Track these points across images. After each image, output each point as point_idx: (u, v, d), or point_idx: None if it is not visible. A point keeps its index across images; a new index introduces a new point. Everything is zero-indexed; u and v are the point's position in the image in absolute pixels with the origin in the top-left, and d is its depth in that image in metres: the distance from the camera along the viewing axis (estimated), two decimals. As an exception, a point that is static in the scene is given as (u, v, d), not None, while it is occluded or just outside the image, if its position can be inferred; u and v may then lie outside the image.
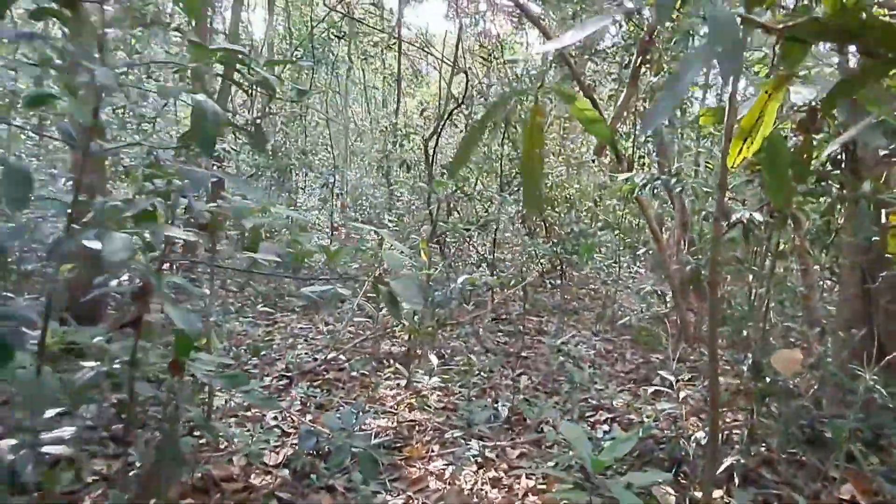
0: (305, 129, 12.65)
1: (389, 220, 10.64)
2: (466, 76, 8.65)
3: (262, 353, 5.23)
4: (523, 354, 6.00)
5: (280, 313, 7.30)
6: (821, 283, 6.25)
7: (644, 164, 9.34)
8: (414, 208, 11.40)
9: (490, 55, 11.22)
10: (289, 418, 3.97)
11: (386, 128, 14.07)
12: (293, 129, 11.56)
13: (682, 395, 3.50)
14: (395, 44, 12.96)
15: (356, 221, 13.00)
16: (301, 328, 6.66)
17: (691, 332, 6.91)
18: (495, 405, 4.19)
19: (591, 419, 4.27)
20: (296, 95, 3.54)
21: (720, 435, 3.44)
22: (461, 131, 10.09)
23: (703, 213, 3.57)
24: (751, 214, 3.14)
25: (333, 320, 6.98)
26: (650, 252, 12.12)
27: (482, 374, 4.99)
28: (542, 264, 10.55)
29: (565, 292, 9.46)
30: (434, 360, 4.05)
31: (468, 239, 9.56)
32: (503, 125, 10.00)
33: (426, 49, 15.48)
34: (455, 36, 11.91)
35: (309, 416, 4.00)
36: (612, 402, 4.64)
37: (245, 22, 16.12)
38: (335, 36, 11.82)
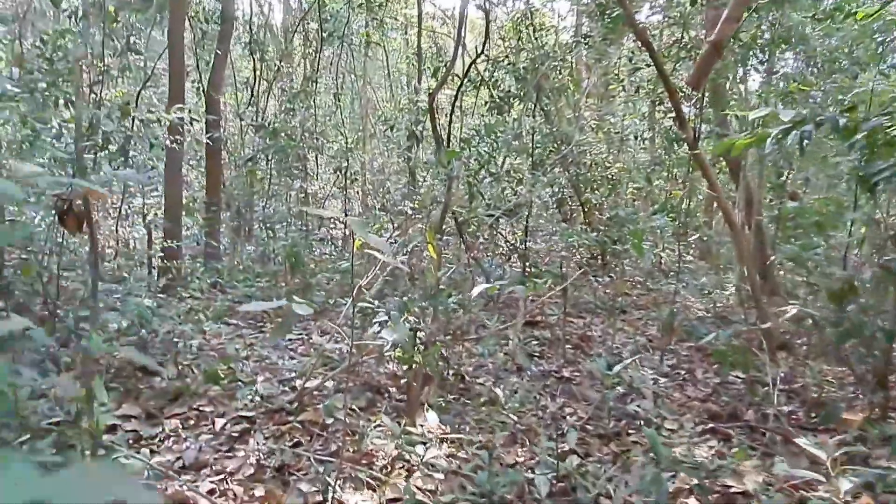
0: (315, 108, 11.42)
1: (412, 208, 9.43)
2: (487, 16, 7.24)
3: (224, 379, 4.03)
4: (565, 374, 4.71)
5: (270, 324, 6.12)
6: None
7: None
8: (437, 193, 10.14)
9: (517, 25, 9.81)
10: (230, 492, 2.75)
11: (405, 106, 12.81)
12: (299, 107, 10.32)
13: (845, 485, 2.16)
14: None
15: (377, 210, 11.80)
16: (290, 340, 5.47)
17: (774, 341, 5.52)
18: (530, 470, 2.91)
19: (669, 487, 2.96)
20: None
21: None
22: (485, 102, 8.71)
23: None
24: None
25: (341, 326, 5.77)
26: (704, 238, 10.69)
27: (513, 405, 3.71)
28: (581, 255, 9.20)
29: (610, 288, 8.11)
30: (433, 420, 2.81)
31: (494, 227, 8.23)
32: (534, 94, 8.64)
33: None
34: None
35: (259, 491, 2.78)
36: (692, 453, 3.33)
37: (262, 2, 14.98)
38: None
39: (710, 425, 3.71)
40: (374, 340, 3.05)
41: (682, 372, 4.94)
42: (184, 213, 10.77)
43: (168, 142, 4.91)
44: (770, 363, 4.05)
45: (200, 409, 3.68)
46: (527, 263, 7.98)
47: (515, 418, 3.40)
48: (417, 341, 3.52)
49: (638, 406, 3.99)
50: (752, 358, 4.30)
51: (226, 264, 8.64)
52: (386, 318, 3.38)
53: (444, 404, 3.65)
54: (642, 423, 3.76)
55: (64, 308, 4.70)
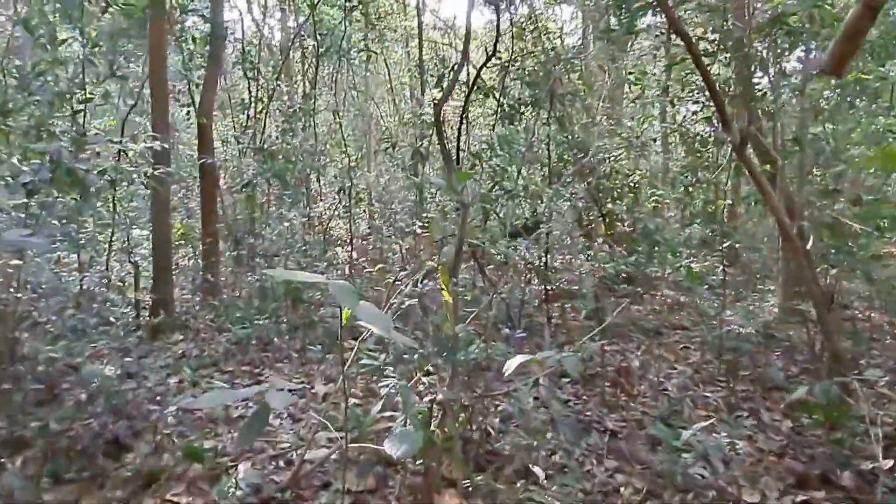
0: (314, 127, 10.80)
1: (421, 227, 8.82)
2: (498, 13, 6.60)
3: (209, 452, 3.38)
4: (609, 425, 4.02)
5: (269, 370, 5.49)
6: None
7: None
8: (448, 210, 9.51)
9: (524, 29, 9.17)
10: None
11: (409, 120, 12.20)
12: (297, 127, 9.72)
13: None
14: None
15: (382, 231, 11.16)
16: (291, 392, 4.80)
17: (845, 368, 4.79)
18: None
19: None
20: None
21: None
22: (493, 112, 8.08)
23: None
24: None
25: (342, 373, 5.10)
26: (737, 245, 9.98)
27: (556, 485, 3.03)
28: (605, 270, 8.50)
29: (643, 309, 7.43)
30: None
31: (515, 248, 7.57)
32: (548, 101, 7.99)
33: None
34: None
35: None
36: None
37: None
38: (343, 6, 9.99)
39: (801, 497, 3.00)
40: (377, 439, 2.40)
41: (745, 413, 4.23)
42: (182, 242, 10.18)
43: (136, 176, 4.30)
44: (863, 405, 3.34)
45: (175, 500, 3.04)
46: (547, 284, 7.30)
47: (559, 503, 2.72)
48: (434, 408, 2.86)
49: (704, 468, 3.30)
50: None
51: (225, 299, 8.03)
52: (392, 389, 2.74)
53: (468, 484, 2.97)
54: (714, 494, 3.07)
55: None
